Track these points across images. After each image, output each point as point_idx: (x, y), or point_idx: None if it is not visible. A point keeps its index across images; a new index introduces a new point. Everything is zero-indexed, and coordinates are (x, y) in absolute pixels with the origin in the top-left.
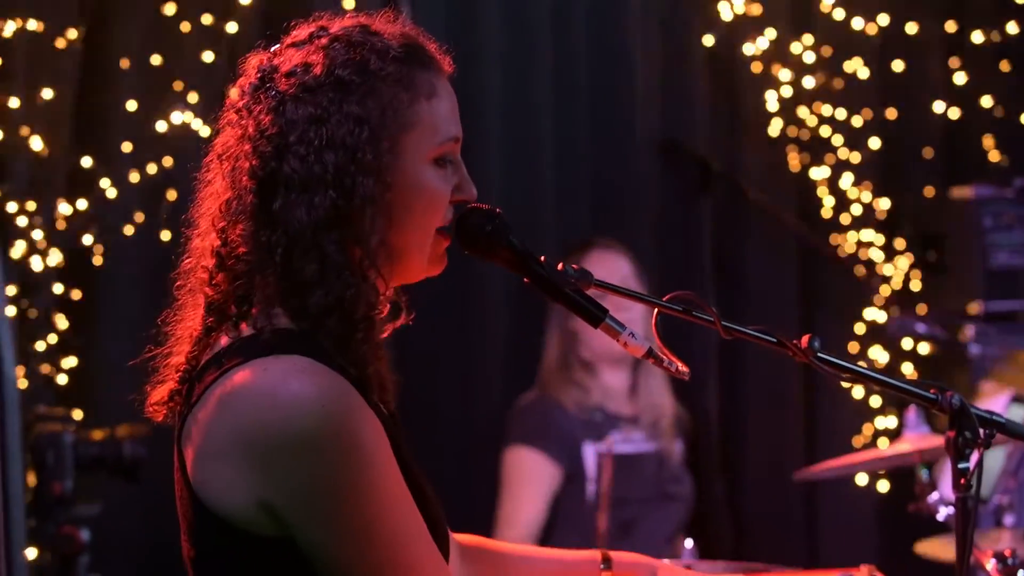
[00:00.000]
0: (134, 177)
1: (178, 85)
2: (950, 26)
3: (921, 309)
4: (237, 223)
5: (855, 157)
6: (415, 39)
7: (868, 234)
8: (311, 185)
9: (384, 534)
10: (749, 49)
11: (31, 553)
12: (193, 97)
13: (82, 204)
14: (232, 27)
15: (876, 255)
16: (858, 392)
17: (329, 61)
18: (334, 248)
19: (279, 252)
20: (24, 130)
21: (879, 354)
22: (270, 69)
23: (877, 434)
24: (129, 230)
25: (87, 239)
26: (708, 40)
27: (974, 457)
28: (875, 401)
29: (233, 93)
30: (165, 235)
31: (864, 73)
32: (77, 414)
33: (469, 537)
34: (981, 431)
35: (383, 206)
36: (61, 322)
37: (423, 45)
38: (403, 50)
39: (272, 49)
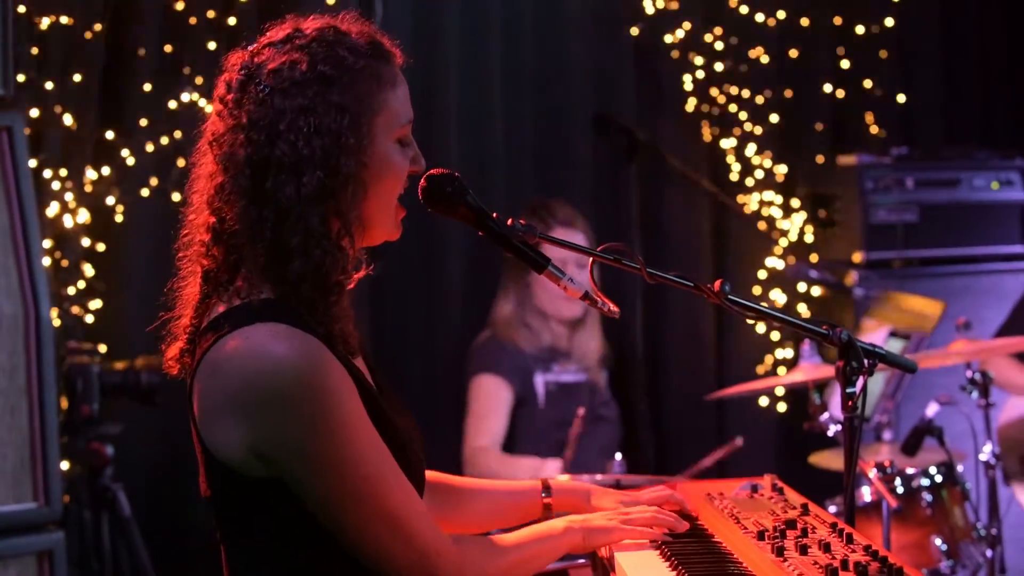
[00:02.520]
0: (149, 147)
1: (186, 70)
2: (837, 20)
3: (813, 258)
4: (231, 201)
5: (758, 130)
6: (376, 36)
7: (769, 195)
8: (300, 166)
9: (356, 469)
10: (669, 38)
11: (64, 465)
12: (199, 80)
13: (106, 171)
14: (232, 20)
15: (776, 212)
16: (761, 328)
17: (312, 59)
18: (317, 220)
19: (269, 225)
20: (57, 108)
21: (778, 296)
22: (255, 67)
23: (777, 363)
24: (145, 192)
25: (110, 200)
26: (634, 30)
27: (859, 383)
28: (775, 336)
29: (220, 88)
30: (175, 196)
31: (765, 59)
32: (102, 348)
33: (431, 473)
34: (865, 361)
35: (361, 182)
36: (88, 270)
37: (383, 41)
38: (369, 47)
39: (250, 48)
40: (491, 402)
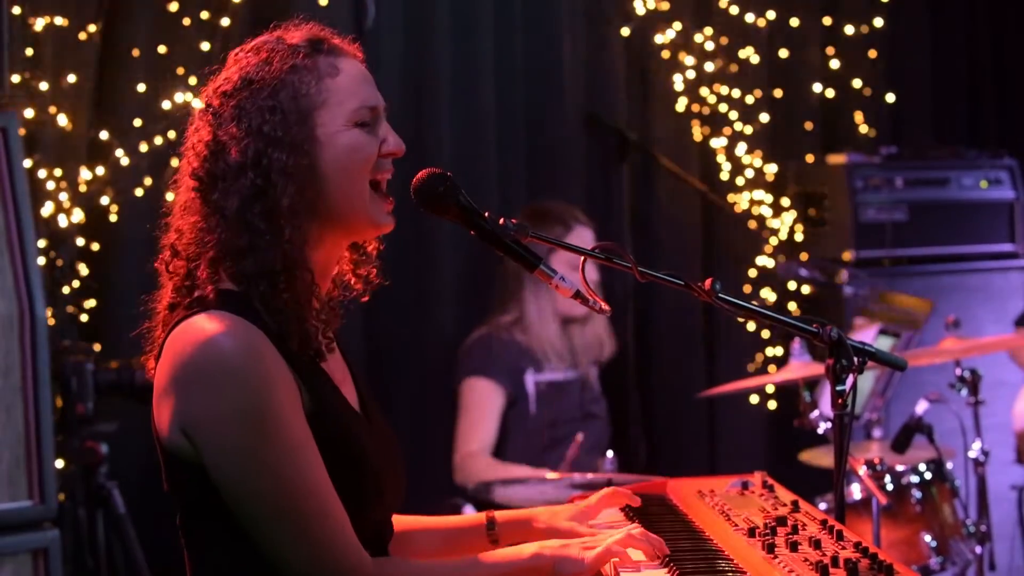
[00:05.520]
0: (143, 148)
1: (180, 70)
2: (826, 20)
3: (803, 257)
4: (187, 218)
5: (748, 129)
6: (318, 34)
7: (759, 194)
8: (237, 172)
9: (266, 466)
10: (659, 39)
11: (59, 463)
12: (192, 80)
13: (100, 171)
14: (225, 21)
15: (766, 211)
16: (751, 326)
17: (241, 69)
18: (258, 219)
19: (218, 232)
20: (52, 109)
21: (768, 294)
22: (209, 93)
23: (767, 361)
24: (139, 192)
25: (104, 200)
26: (625, 31)
27: (849, 380)
28: (765, 334)
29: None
30: (169, 196)
31: (755, 59)
32: (96, 347)
33: None
34: (855, 359)
35: (300, 174)
36: (83, 270)
37: (324, 37)
38: (305, 43)
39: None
40: (482, 408)
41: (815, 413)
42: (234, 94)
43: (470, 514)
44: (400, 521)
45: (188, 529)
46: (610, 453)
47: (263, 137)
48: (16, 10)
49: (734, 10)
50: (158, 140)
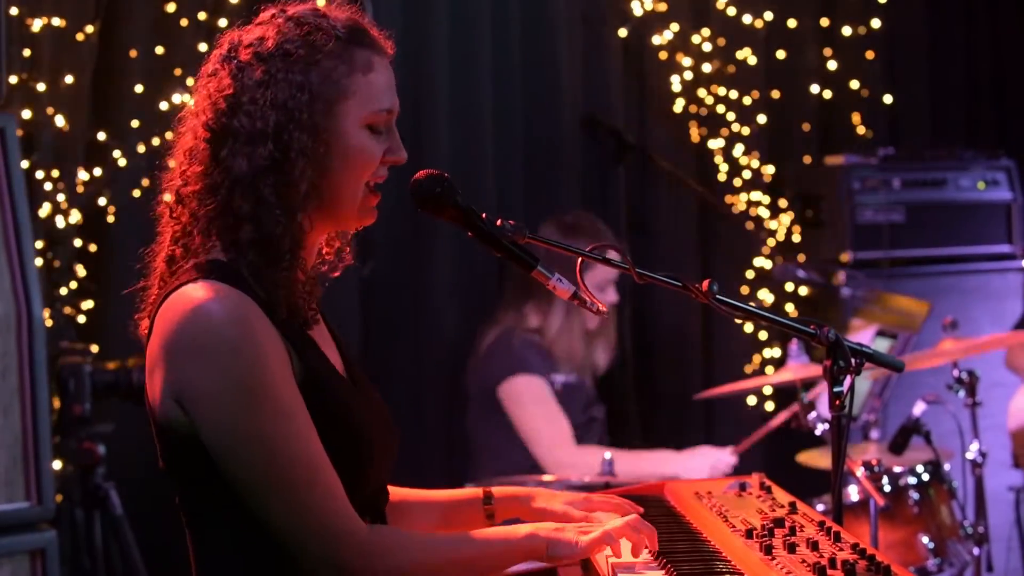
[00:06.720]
0: (141, 148)
1: (177, 71)
2: (824, 21)
3: (801, 258)
4: (193, 167)
5: (745, 130)
6: (359, 22)
7: (756, 195)
8: (254, 138)
9: (254, 431)
10: (656, 40)
11: (56, 464)
12: (190, 81)
13: (98, 171)
14: (223, 22)
15: (763, 213)
16: (748, 327)
17: (280, 35)
18: (269, 191)
19: (222, 191)
20: (49, 110)
21: (766, 296)
22: (236, 43)
23: (764, 363)
24: (137, 193)
25: (102, 201)
26: (622, 32)
27: (846, 382)
28: (763, 335)
29: (207, 63)
30: (167, 197)
31: (752, 60)
32: (94, 348)
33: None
34: (852, 360)
35: (316, 160)
36: (80, 271)
37: (365, 28)
38: (346, 30)
39: (242, 27)
40: (549, 401)
41: (813, 415)
42: (267, 59)
43: (467, 489)
44: (397, 493)
45: (187, 506)
46: (608, 455)
47: (287, 112)
48: (14, 11)
49: (731, 11)
50: (156, 141)
